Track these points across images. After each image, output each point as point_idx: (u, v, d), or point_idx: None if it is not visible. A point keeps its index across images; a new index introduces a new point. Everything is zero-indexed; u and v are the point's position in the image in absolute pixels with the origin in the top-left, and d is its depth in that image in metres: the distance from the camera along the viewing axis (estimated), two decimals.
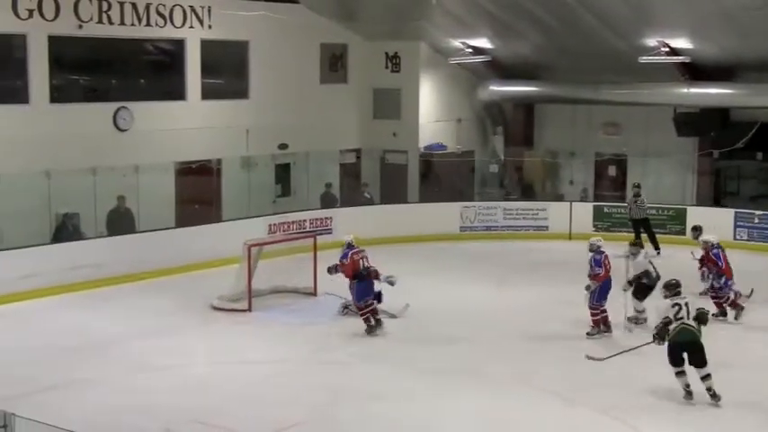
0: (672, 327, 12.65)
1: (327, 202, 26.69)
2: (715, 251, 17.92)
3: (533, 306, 19.14)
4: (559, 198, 28.69)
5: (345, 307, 18.05)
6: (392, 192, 29.17)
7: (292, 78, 26.77)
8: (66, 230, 22.29)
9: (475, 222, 26.71)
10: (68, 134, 22.18)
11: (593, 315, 16.74)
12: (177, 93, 25.18)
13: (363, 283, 17.26)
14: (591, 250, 16.15)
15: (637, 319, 16.69)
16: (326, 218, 25.11)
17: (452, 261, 23.84)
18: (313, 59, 27.82)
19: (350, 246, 17.16)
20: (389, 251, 22.19)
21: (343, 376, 15.25)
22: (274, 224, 23.67)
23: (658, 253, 22.86)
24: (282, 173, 27.88)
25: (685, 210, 25.71)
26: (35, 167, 21.18)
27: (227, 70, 26.81)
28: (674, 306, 12.81)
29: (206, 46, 25.40)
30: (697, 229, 19.33)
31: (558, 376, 14.63)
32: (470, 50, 28.25)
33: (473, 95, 29.80)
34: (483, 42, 27.92)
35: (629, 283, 16.78)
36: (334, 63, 28.76)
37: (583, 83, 27.36)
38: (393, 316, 17.77)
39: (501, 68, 28.76)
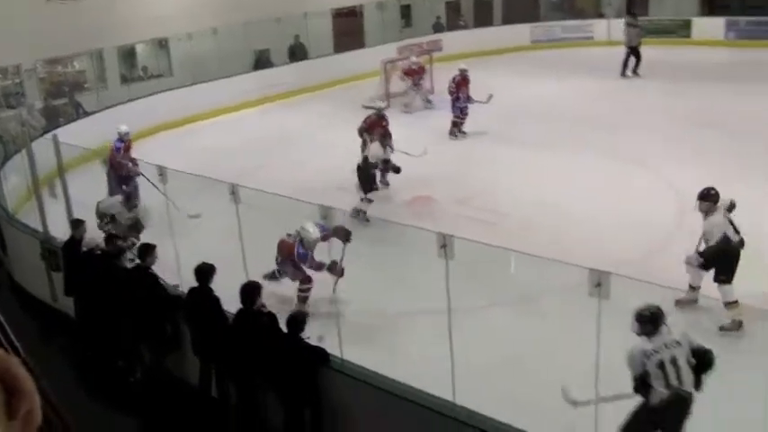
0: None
1: (438, 29, 27.84)
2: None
3: (586, 93, 20.31)
4: (601, 16, 28.34)
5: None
6: (482, 19, 29.90)
7: None
8: (262, 61, 24.21)
9: (541, 37, 27.59)
10: None
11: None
12: None
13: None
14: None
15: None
16: (438, 40, 26.11)
17: (526, 65, 24.65)
18: None
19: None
20: (480, 62, 22.52)
21: (462, 149, 16.37)
22: (401, 47, 24.48)
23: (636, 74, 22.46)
24: (405, 11, 29.00)
25: (690, 20, 26.27)
26: (237, 21, 22.39)
27: None
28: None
29: None
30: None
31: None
32: None
33: None
34: None
35: (700, 254, 9.02)
36: None
37: None
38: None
39: None
